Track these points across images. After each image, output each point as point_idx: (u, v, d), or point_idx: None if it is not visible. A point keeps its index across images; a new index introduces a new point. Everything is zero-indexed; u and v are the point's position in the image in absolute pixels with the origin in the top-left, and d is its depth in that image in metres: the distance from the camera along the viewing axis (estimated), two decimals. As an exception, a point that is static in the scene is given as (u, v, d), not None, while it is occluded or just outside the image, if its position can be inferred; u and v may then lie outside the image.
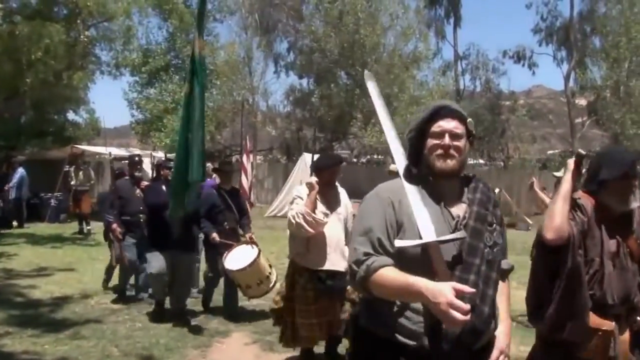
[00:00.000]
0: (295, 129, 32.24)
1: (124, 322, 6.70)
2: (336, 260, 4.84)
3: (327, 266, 4.83)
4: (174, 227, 6.34)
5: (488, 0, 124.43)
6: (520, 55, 34.81)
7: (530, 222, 18.78)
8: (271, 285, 6.39)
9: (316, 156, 21.27)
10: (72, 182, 15.35)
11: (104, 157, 21.32)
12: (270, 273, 6.46)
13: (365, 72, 3.03)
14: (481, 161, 32.24)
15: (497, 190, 18.22)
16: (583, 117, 32.06)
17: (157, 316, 6.76)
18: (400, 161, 2.46)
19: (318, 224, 4.73)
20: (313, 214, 4.70)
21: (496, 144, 31.70)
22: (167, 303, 6.95)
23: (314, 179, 4.84)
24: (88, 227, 14.97)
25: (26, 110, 22.49)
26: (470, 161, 31.50)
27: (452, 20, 35.73)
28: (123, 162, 15.57)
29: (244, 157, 16.37)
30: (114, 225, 7.38)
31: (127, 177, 7.94)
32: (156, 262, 6.54)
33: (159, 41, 28.17)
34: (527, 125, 31.58)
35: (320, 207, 4.86)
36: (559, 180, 6.99)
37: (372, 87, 2.86)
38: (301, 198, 4.85)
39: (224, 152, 27.92)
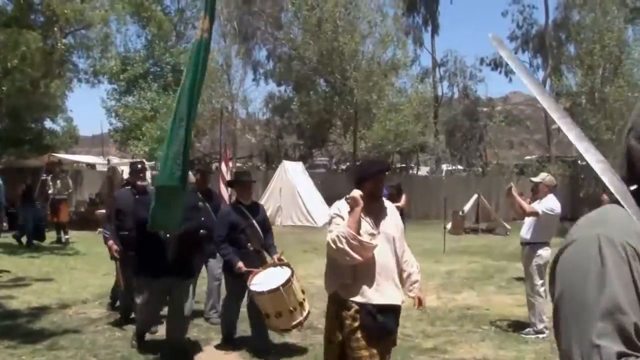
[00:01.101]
0: (275, 136, 32.26)
1: (103, 331, 6.62)
2: (388, 291, 3.92)
3: (377, 299, 3.84)
4: (170, 248, 5.39)
5: (465, 8, 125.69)
6: (497, 62, 35.19)
7: (509, 227, 18.94)
8: (297, 320, 5.28)
9: (293, 164, 21.31)
10: (50, 191, 15.18)
11: (81, 165, 21.11)
12: (294, 308, 5.26)
13: (490, 35, 1.79)
14: (460, 167, 32.49)
15: (475, 196, 18.19)
16: (559, 123, 32.43)
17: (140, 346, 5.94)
18: (607, 175, 1.38)
19: (365, 248, 3.79)
20: (358, 236, 3.76)
21: (474, 150, 31.98)
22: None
23: (357, 192, 3.88)
24: (66, 237, 14.82)
25: (3, 118, 22.21)
26: (449, 167, 31.76)
27: (429, 28, 36.08)
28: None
29: (222, 165, 16.29)
30: (110, 242, 6.72)
31: (128, 187, 6.91)
32: (146, 293, 5.61)
33: (138, 49, 28.04)
34: (504, 131, 31.92)
35: (365, 227, 3.89)
36: (536, 185, 7.10)
37: (504, 53, 1.68)
38: (341, 217, 3.92)
39: (203, 160, 27.78)
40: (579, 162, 29.05)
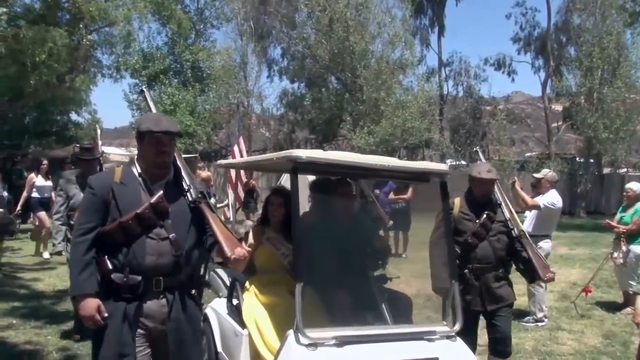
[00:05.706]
0: (288, 130, 32.23)
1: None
2: None
3: None
4: None
5: (470, 11, 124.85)
6: (501, 62, 34.95)
7: (509, 220, 18.76)
8: None
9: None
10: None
11: (104, 155, 21.15)
12: None
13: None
14: (463, 162, 32.34)
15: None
16: (559, 122, 32.19)
17: None
18: None
19: None
20: None
21: (477, 146, 31.80)
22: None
23: None
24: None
25: (30, 111, 22.31)
26: (453, 162, 31.64)
27: (436, 29, 35.75)
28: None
29: (230, 159, 16.19)
30: None
31: None
32: None
33: (159, 46, 28.05)
34: (506, 129, 31.55)
35: None
36: (537, 181, 7.02)
37: None
38: None
39: (220, 152, 27.83)
40: (577, 159, 28.84)
